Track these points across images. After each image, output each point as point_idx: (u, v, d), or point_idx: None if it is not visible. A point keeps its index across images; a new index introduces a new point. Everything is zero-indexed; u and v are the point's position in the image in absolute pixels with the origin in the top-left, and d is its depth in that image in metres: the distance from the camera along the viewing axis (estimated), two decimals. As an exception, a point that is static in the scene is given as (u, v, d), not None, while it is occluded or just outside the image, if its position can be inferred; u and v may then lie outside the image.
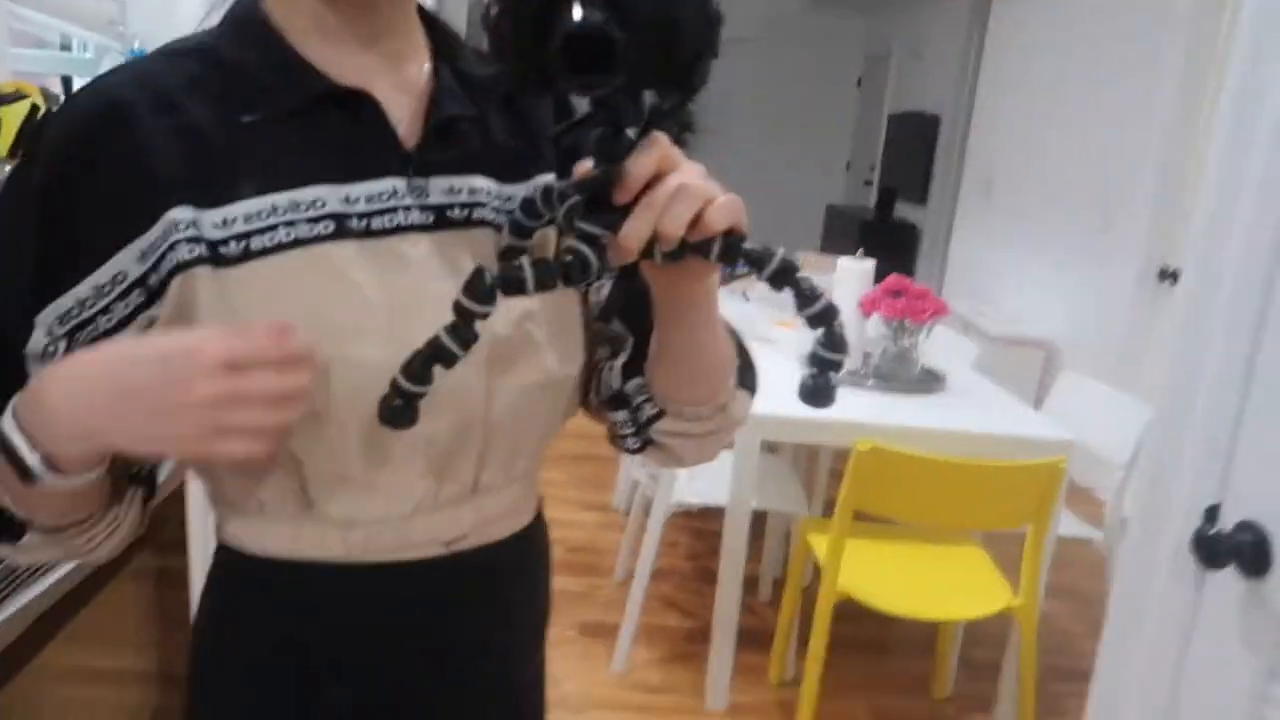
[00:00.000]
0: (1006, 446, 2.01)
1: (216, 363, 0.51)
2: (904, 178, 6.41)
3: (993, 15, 5.07)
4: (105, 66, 1.96)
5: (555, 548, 0.82)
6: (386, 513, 0.66)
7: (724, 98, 7.02)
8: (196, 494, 1.41)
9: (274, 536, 0.66)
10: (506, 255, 0.64)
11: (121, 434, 0.54)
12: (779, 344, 2.32)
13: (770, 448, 2.61)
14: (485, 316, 0.52)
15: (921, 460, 1.76)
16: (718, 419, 0.71)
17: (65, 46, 2.18)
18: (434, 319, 0.53)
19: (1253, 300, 1.05)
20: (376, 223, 0.63)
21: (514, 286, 0.51)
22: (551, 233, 0.68)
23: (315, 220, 0.61)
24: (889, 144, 6.89)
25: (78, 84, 2.20)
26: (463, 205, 0.66)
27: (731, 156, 5.51)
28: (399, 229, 0.64)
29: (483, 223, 0.67)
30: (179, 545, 1.43)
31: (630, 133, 0.52)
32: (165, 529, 1.37)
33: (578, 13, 0.46)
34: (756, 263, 0.53)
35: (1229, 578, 1.02)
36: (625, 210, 0.52)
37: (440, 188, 0.66)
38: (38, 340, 0.60)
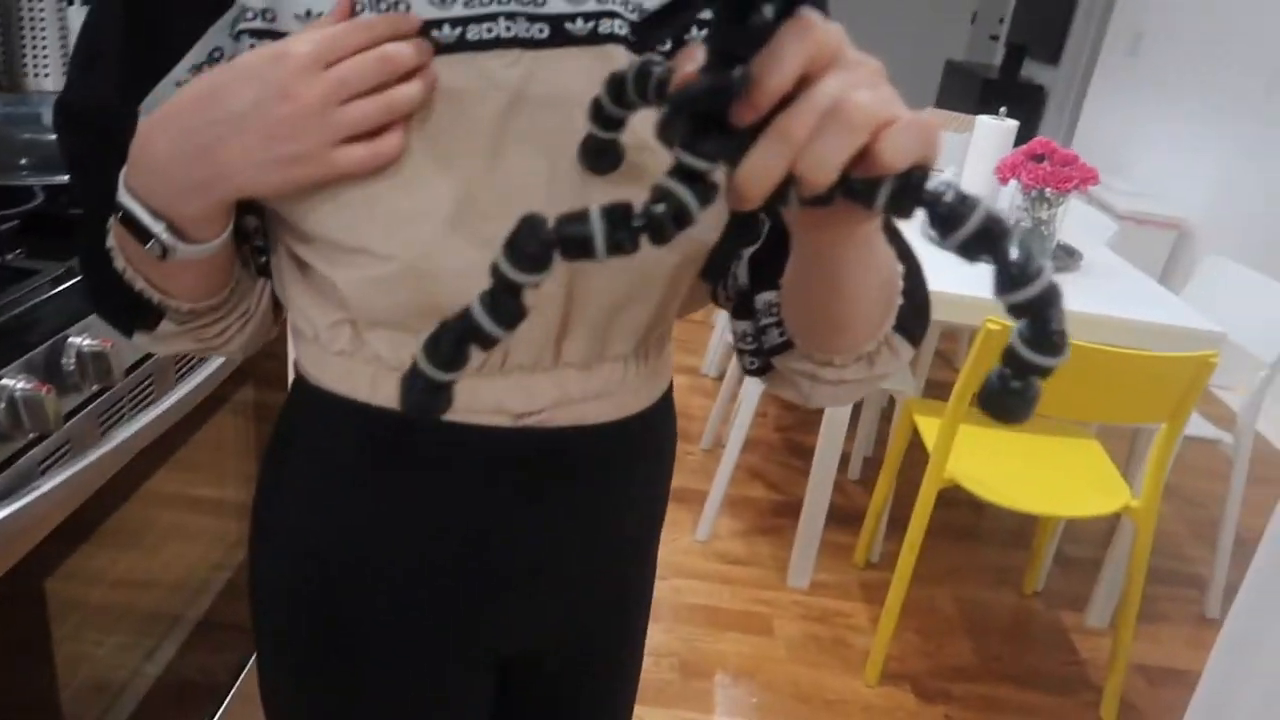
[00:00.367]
0: (1147, 335, 1.82)
1: (308, 60, 0.47)
2: (1037, 32, 5.87)
3: None
4: None
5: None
6: None
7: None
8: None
9: (330, 369, 0.60)
10: (589, 149, 0.51)
11: (240, 171, 0.49)
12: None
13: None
14: (536, 285, 0.36)
15: (1055, 347, 1.60)
16: (857, 369, 0.58)
17: None
18: (525, 161, 0.42)
19: None
20: (473, 32, 0.51)
21: (576, 248, 0.35)
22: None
23: None
24: (1023, -7, 6.29)
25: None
26: (588, 16, 0.53)
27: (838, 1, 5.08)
28: (499, 41, 0.51)
29: (613, 37, 0.53)
30: (280, 380, 1.44)
31: (768, 9, 0.33)
32: (265, 363, 1.38)
33: None
34: (946, 219, 0.34)
35: None
36: (751, 134, 0.34)
37: None
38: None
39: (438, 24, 0.51)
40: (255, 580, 0.69)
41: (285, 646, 0.68)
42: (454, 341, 0.37)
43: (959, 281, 1.71)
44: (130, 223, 0.53)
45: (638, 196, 0.36)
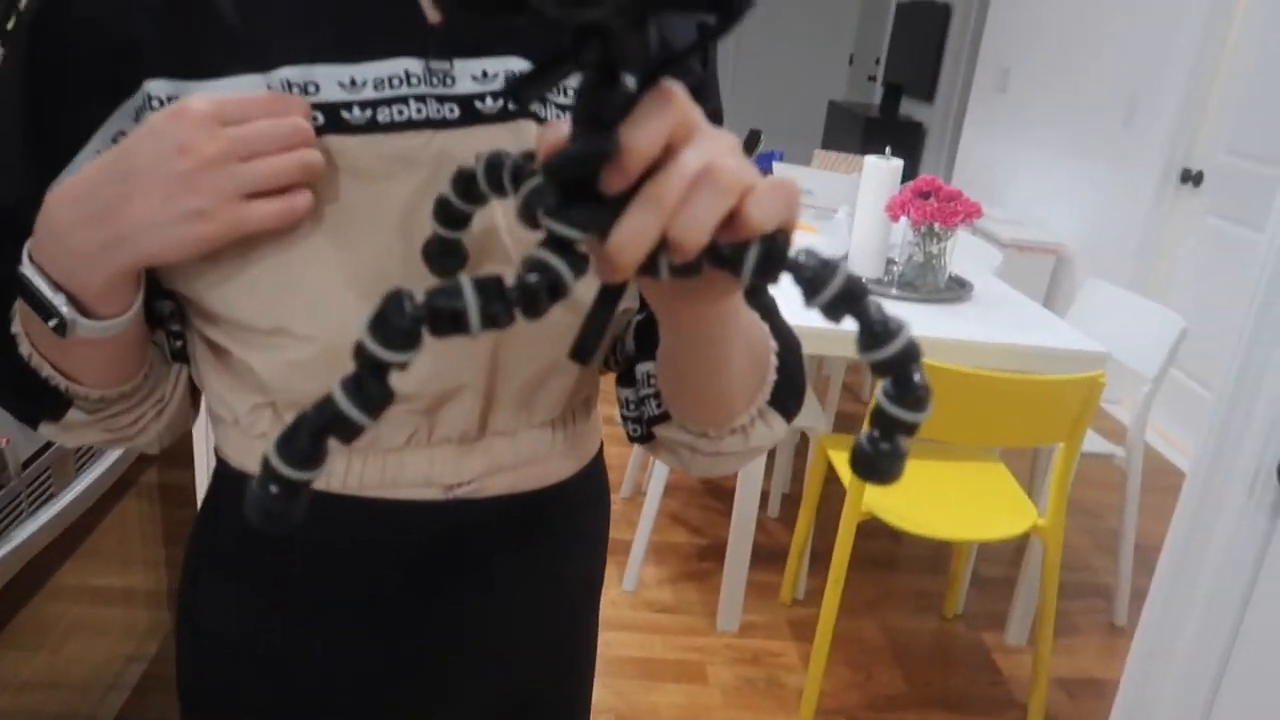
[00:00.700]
0: (1038, 359, 1.92)
1: (206, 116, 0.46)
2: (911, 73, 6.17)
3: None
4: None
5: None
6: (372, 442, 0.56)
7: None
8: (202, 407, 1.35)
9: (253, 453, 0.58)
10: (432, 251, 0.50)
11: (143, 231, 0.47)
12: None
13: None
14: (404, 367, 0.33)
15: (957, 374, 1.66)
16: (733, 441, 0.59)
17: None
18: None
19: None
20: (383, 115, 0.51)
21: (447, 324, 0.33)
22: (500, 214, 0.53)
23: None
24: (895, 37, 6.61)
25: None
26: (497, 94, 0.54)
27: (727, 48, 5.26)
28: (410, 124, 0.52)
29: (523, 114, 0.54)
30: (187, 459, 1.40)
31: (632, 76, 0.34)
32: (171, 443, 1.35)
33: None
34: (810, 282, 0.34)
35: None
36: (619, 203, 0.34)
37: (469, 72, 0.53)
38: None
39: (347, 106, 0.51)
40: (182, 676, 0.66)
41: None
42: (313, 434, 0.34)
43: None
44: (31, 297, 0.50)
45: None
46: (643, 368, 0.62)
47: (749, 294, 0.58)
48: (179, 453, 1.37)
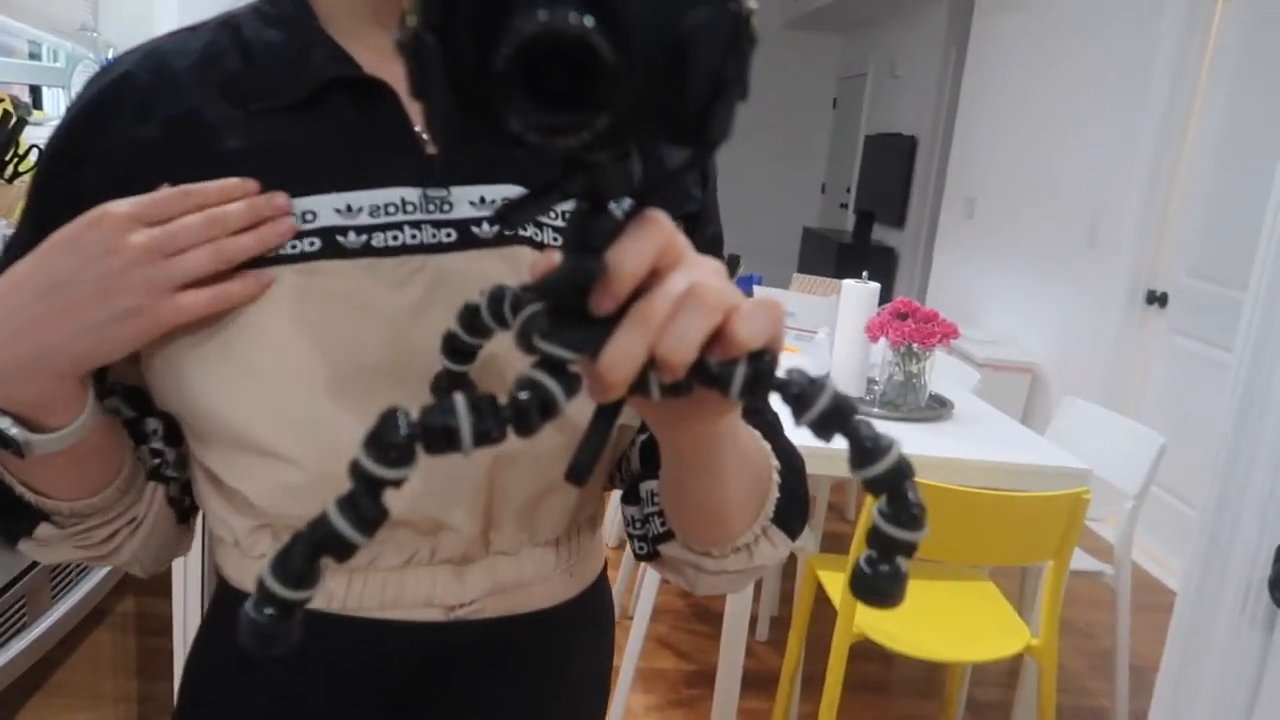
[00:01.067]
0: (1021, 476, 1.93)
1: (127, 218, 0.48)
2: (881, 200, 6.40)
3: (972, 33, 5.07)
4: (77, 76, 1.84)
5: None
6: (372, 561, 0.56)
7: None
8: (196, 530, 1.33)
9: (253, 573, 0.57)
10: (441, 386, 0.51)
11: (74, 338, 0.48)
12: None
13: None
14: (398, 484, 0.34)
15: (943, 491, 1.67)
16: (737, 560, 0.59)
17: (35, 55, 2.05)
18: (429, 363, 0.44)
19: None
20: (378, 239, 0.53)
21: (441, 441, 0.34)
22: (502, 349, 0.53)
23: (300, 235, 0.52)
24: (865, 166, 6.89)
25: (47, 95, 2.09)
26: (494, 219, 0.56)
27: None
28: (404, 248, 0.53)
29: (519, 239, 0.56)
30: (164, 588, 1.35)
31: (617, 207, 0.35)
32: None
33: (543, 12, 0.28)
34: (798, 399, 0.35)
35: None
36: (609, 324, 0.35)
37: (467, 198, 0.55)
38: None
39: (343, 230, 0.53)
40: None
41: None
42: (307, 554, 0.34)
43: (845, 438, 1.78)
44: None
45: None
46: (647, 485, 0.62)
47: (752, 412, 0.60)
48: (156, 580, 1.34)
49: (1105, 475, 2.23)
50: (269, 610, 0.34)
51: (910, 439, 1.98)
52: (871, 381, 2.26)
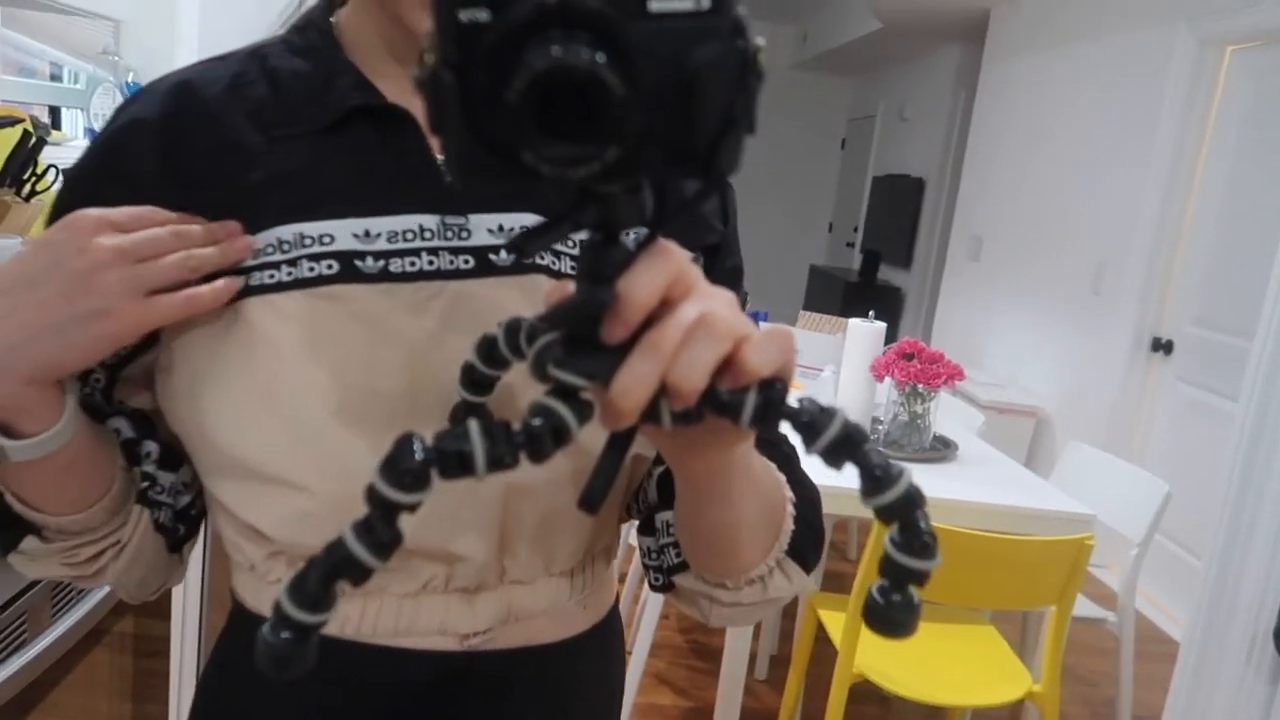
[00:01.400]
0: (1025, 520, 1.92)
1: (98, 222, 0.49)
2: (887, 241, 6.43)
3: (981, 78, 5.12)
4: (96, 98, 1.86)
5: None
6: (385, 587, 0.56)
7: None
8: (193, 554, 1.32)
9: (268, 598, 0.57)
10: (460, 418, 0.52)
11: (37, 338, 0.48)
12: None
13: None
14: (413, 509, 0.35)
15: (947, 533, 1.66)
16: (751, 592, 0.59)
17: (55, 76, 2.08)
18: (445, 389, 0.44)
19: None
20: (396, 265, 0.54)
21: (455, 466, 0.35)
22: (518, 380, 0.53)
23: (318, 258, 0.53)
24: (872, 207, 6.93)
25: (66, 116, 2.12)
26: (506, 247, 0.56)
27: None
28: (422, 274, 0.54)
29: (537, 267, 0.57)
30: (163, 610, 1.35)
31: (628, 238, 0.36)
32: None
33: (556, 48, 0.29)
34: (809, 427, 0.36)
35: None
36: (621, 352, 0.36)
37: (485, 226, 0.56)
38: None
39: (360, 255, 0.53)
40: None
41: None
42: (323, 577, 0.34)
43: (848, 477, 1.78)
44: None
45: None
46: (662, 516, 0.62)
47: (768, 443, 0.60)
48: (156, 602, 1.34)
49: (1109, 521, 2.22)
50: (285, 633, 0.35)
51: (915, 479, 1.97)
52: (876, 421, 2.26)
